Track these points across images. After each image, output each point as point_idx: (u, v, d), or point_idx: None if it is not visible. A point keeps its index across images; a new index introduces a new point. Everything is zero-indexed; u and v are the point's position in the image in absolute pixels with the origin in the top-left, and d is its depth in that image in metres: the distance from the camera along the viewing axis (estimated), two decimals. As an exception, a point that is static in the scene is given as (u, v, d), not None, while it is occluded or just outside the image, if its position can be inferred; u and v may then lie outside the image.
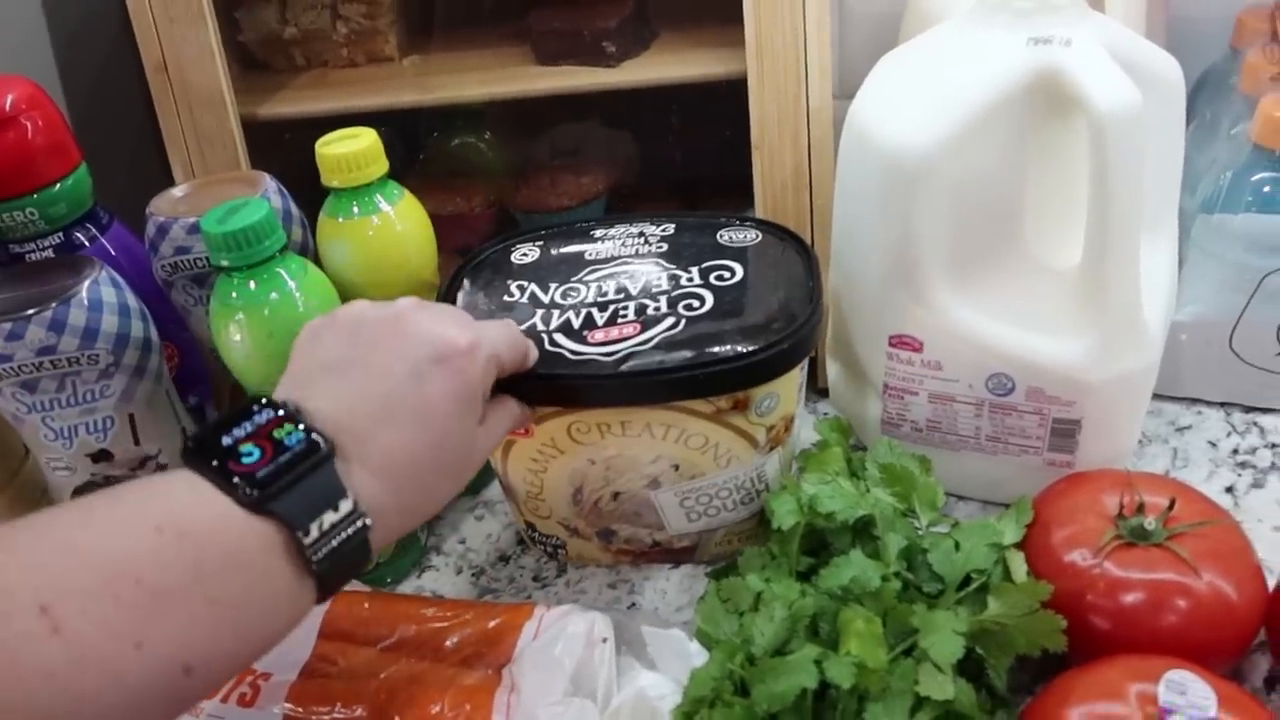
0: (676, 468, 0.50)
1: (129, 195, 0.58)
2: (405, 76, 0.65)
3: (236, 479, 0.34)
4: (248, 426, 0.36)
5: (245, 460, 0.34)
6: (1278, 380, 0.57)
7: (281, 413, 0.36)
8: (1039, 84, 0.45)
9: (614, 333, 0.48)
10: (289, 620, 0.36)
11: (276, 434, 0.36)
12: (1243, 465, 0.56)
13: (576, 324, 0.49)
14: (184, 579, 0.32)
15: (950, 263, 0.49)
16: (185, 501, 0.34)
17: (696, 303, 0.49)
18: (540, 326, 0.49)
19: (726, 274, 0.50)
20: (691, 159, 0.68)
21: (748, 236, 0.53)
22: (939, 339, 0.50)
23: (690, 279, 0.50)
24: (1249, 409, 0.59)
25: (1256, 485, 0.55)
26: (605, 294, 0.50)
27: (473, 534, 0.58)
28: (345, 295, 0.53)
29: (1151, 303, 0.49)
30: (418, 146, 0.72)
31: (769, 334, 0.47)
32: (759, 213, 0.60)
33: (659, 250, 0.53)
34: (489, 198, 0.68)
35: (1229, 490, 0.55)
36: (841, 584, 0.42)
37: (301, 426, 0.36)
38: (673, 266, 0.51)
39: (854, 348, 0.55)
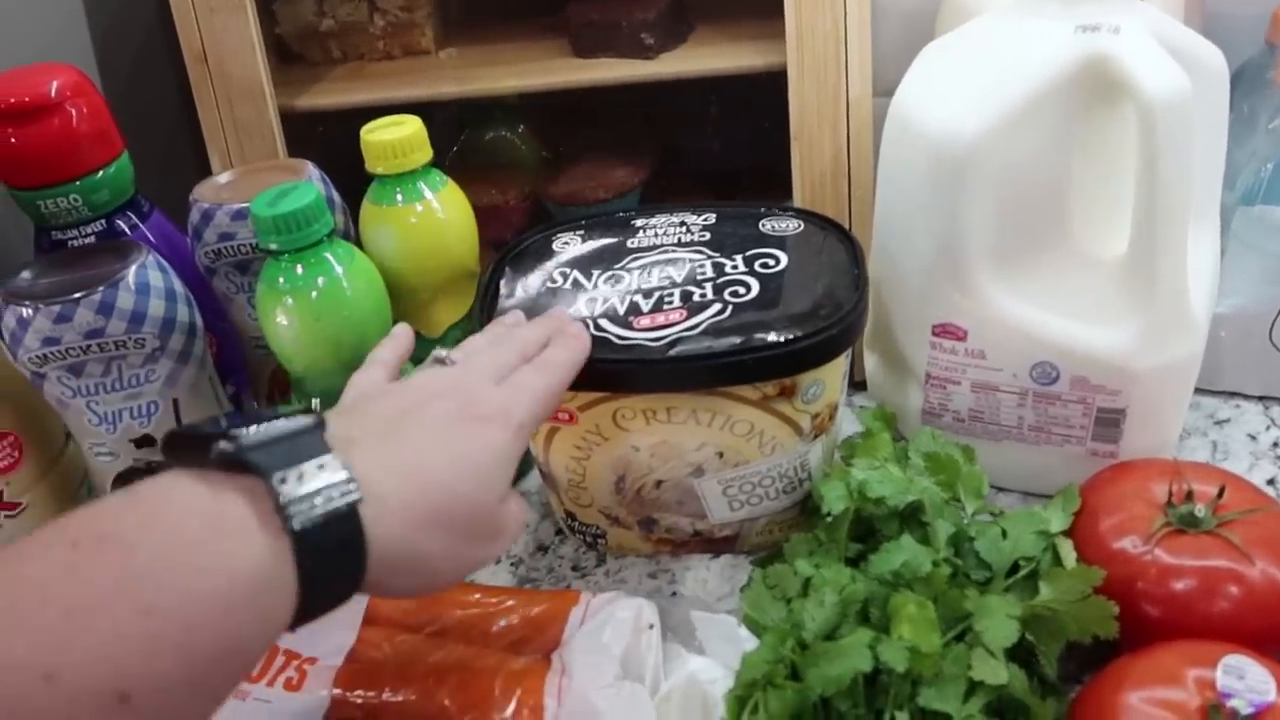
0: (721, 455, 0.49)
1: (165, 185, 0.58)
2: (442, 69, 0.65)
3: (215, 445, 0.30)
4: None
5: (227, 429, 0.31)
6: (1318, 372, 0.57)
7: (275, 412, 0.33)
8: (1087, 72, 0.45)
9: (660, 319, 0.48)
10: (258, 618, 0.29)
11: (267, 412, 0.34)
12: (1284, 458, 0.56)
13: (622, 310, 0.49)
14: (104, 590, 0.27)
15: (995, 251, 0.49)
16: (118, 503, 0.29)
17: (742, 289, 0.49)
18: (585, 312, 0.49)
19: (771, 261, 0.50)
20: (727, 151, 0.68)
21: (789, 225, 0.53)
22: (983, 328, 0.50)
23: (735, 266, 0.50)
24: (1288, 402, 0.59)
25: (1298, 477, 0.55)
26: (650, 281, 0.50)
27: (510, 524, 0.58)
28: (389, 281, 0.53)
29: (1197, 291, 0.49)
30: (453, 139, 0.72)
31: (816, 320, 0.46)
32: (797, 203, 0.60)
33: (702, 239, 0.53)
34: (524, 190, 0.68)
35: (1270, 483, 0.55)
36: (893, 569, 0.42)
37: (301, 409, 0.33)
38: (716, 254, 0.51)
39: (895, 337, 0.55)
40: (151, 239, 0.56)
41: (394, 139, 0.50)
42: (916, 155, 0.49)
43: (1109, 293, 0.49)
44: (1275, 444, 0.57)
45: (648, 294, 0.49)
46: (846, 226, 0.59)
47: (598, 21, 0.61)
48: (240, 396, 0.61)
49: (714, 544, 0.54)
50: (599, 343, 0.47)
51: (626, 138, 0.69)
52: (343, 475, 0.31)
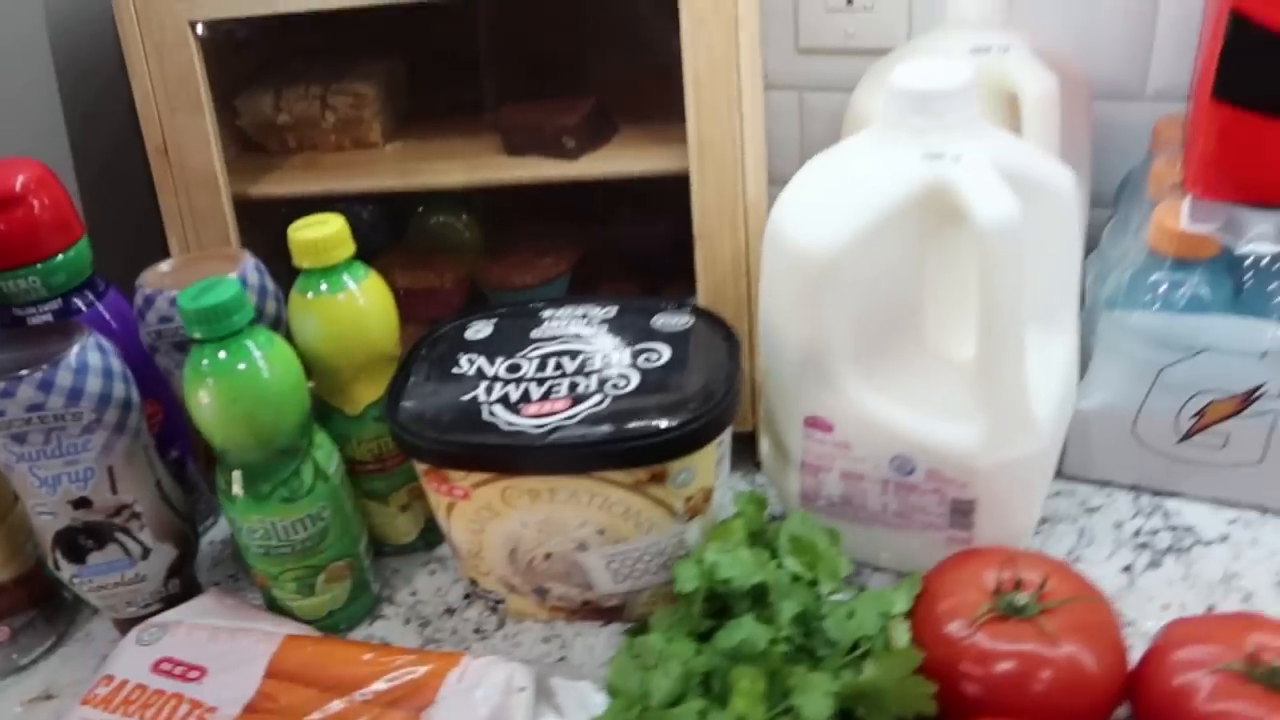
0: (601, 532, 0.54)
1: (134, 263, 0.64)
2: (387, 162, 0.71)
3: None
4: None
5: None
6: (1180, 466, 0.61)
7: None
8: (932, 195, 0.50)
9: (546, 407, 0.53)
10: None
11: None
12: (1143, 546, 0.60)
13: (514, 397, 0.54)
14: None
15: (856, 352, 0.54)
16: None
17: (623, 382, 0.53)
18: (482, 398, 0.54)
19: (655, 356, 0.55)
20: (648, 244, 0.73)
21: (681, 321, 0.58)
22: (847, 422, 0.55)
23: (622, 359, 0.55)
24: (1156, 492, 0.63)
25: (1153, 565, 0.58)
26: (544, 370, 0.55)
27: (424, 586, 0.63)
28: (313, 363, 0.58)
29: (1042, 394, 0.54)
30: (403, 222, 0.78)
31: (685, 412, 0.51)
32: (701, 298, 0.65)
33: (599, 332, 0.58)
34: (460, 274, 0.74)
35: (1126, 569, 0.58)
36: (733, 645, 0.47)
37: None
38: (608, 347, 0.56)
39: (778, 426, 0.59)
40: (106, 316, 0.61)
41: (317, 237, 0.56)
42: (786, 263, 0.54)
43: (959, 393, 0.53)
44: (1137, 532, 0.61)
45: (540, 382, 0.54)
46: (746, 322, 0.64)
47: (525, 124, 0.67)
48: (184, 460, 0.66)
49: (603, 613, 0.58)
50: (488, 428, 0.52)
51: (557, 228, 0.74)
52: None
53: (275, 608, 0.59)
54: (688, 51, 0.59)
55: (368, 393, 0.59)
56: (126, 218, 0.71)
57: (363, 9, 0.61)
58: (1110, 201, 0.72)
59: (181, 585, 0.60)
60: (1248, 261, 0.57)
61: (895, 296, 0.54)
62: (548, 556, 0.56)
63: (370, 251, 0.77)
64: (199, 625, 0.56)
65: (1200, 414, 0.59)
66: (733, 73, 0.60)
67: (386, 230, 0.77)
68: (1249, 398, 0.57)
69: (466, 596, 0.62)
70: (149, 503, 0.57)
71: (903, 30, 0.75)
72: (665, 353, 0.55)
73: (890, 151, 0.52)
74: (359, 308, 0.58)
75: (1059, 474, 0.64)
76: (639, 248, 0.73)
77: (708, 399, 0.52)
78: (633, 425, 0.51)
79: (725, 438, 0.55)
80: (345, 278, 0.57)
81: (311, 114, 0.70)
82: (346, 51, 0.71)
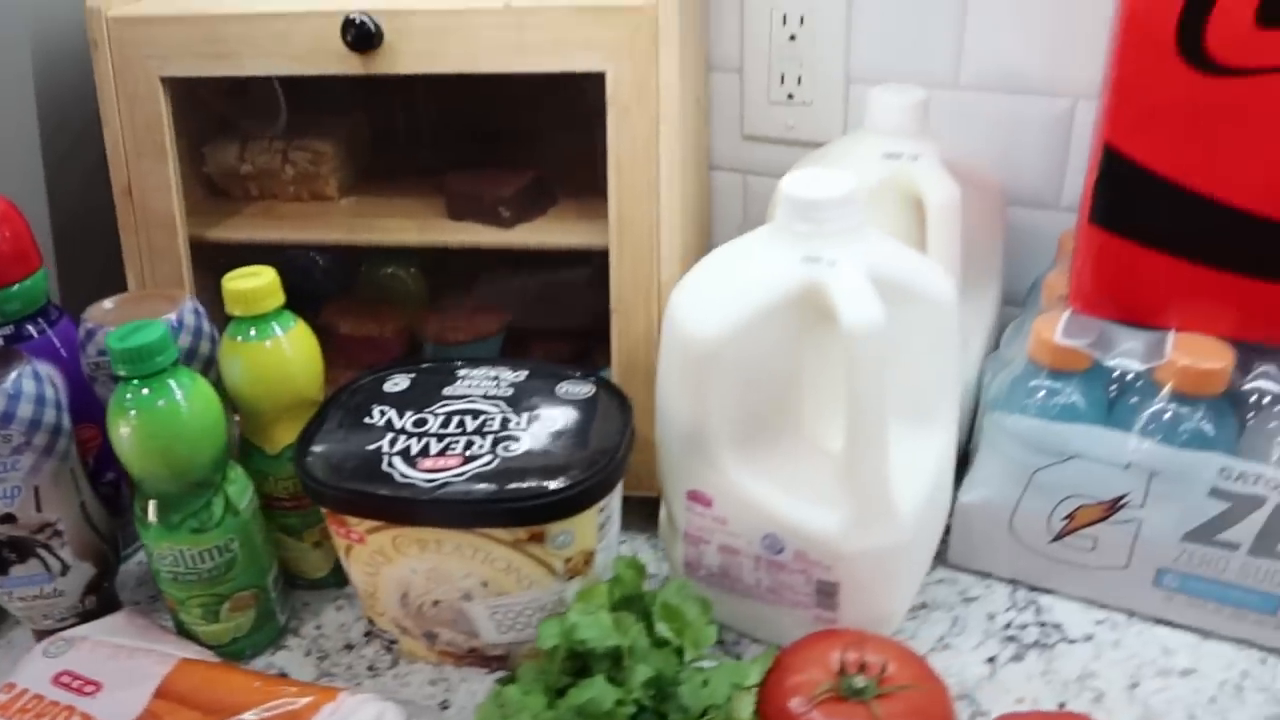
0: (485, 584, 0.57)
1: (98, 293, 0.68)
2: (340, 215, 0.75)
3: None
4: None
5: None
6: (1054, 564, 0.64)
7: None
8: (808, 296, 0.54)
9: (440, 463, 0.56)
10: None
11: None
12: (1010, 639, 0.62)
13: (415, 451, 0.57)
14: None
15: (736, 434, 0.57)
16: None
17: (514, 444, 0.57)
18: (385, 449, 0.58)
19: (551, 422, 0.59)
20: (579, 311, 0.77)
21: (584, 391, 0.62)
22: (725, 498, 0.58)
23: (518, 423, 0.59)
24: (1033, 588, 0.66)
25: (1016, 658, 0.61)
26: (447, 427, 0.59)
27: (329, 621, 0.66)
28: (238, 404, 0.62)
29: (909, 487, 0.57)
30: (355, 270, 0.82)
31: (565, 477, 0.55)
32: (615, 367, 0.68)
33: (504, 394, 0.61)
34: (401, 325, 0.78)
35: (990, 660, 0.61)
36: (581, 703, 0.50)
37: None
38: (509, 409, 0.60)
39: (667, 496, 0.63)
40: (56, 343, 0.66)
41: (248, 288, 0.60)
42: (676, 346, 0.57)
43: (829, 480, 0.57)
44: (1008, 625, 0.63)
45: (440, 438, 0.58)
46: (653, 394, 0.67)
47: (467, 192, 0.71)
48: (118, 484, 0.70)
49: (489, 660, 0.62)
50: (384, 479, 0.56)
51: (495, 289, 0.78)
52: None
53: (182, 631, 0.62)
54: (612, 138, 0.64)
55: (287, 434, 0.63)
56: (94, 252, 0.75)
57: (321, 77, 0.66)
58: (1023, 301, 0.76)
59: (99, 602, 0.64)
60: (1114, 374, 0.60)
61: (776, 385, 0.58)
62: (436, 603, 0.59)
63: (321, 296, 0.82)
64: (104, 642, 0.59)
65: (1070, 517, 0.62)
66: (653, 161, 0.64)
67: (339, 277, 0.82)
68: (1115, 505, 0.60)
69: (367, 634, 0.65)
70: (72, 522, 0.61)
71: (838, 126, 0.79)
72: (561, 419, 0.59)
73: (775, 251, 0.55)
74: (284, 355, 0.62)
75: (944, 562, 0.67)
76: (571, 314, 0.77)
77: (590, 466, 0.56)
78: (514, 486, 0.54)
79: (610, 503, 0.58)
80: (274, 326, 0.61)
81: (273, 166, 0.75)
82: (313, 109, 0.76)
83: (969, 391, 0.69)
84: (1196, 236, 0.56)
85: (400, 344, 0.79)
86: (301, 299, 0.81)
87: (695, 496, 0.59)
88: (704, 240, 0.83)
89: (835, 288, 0.53)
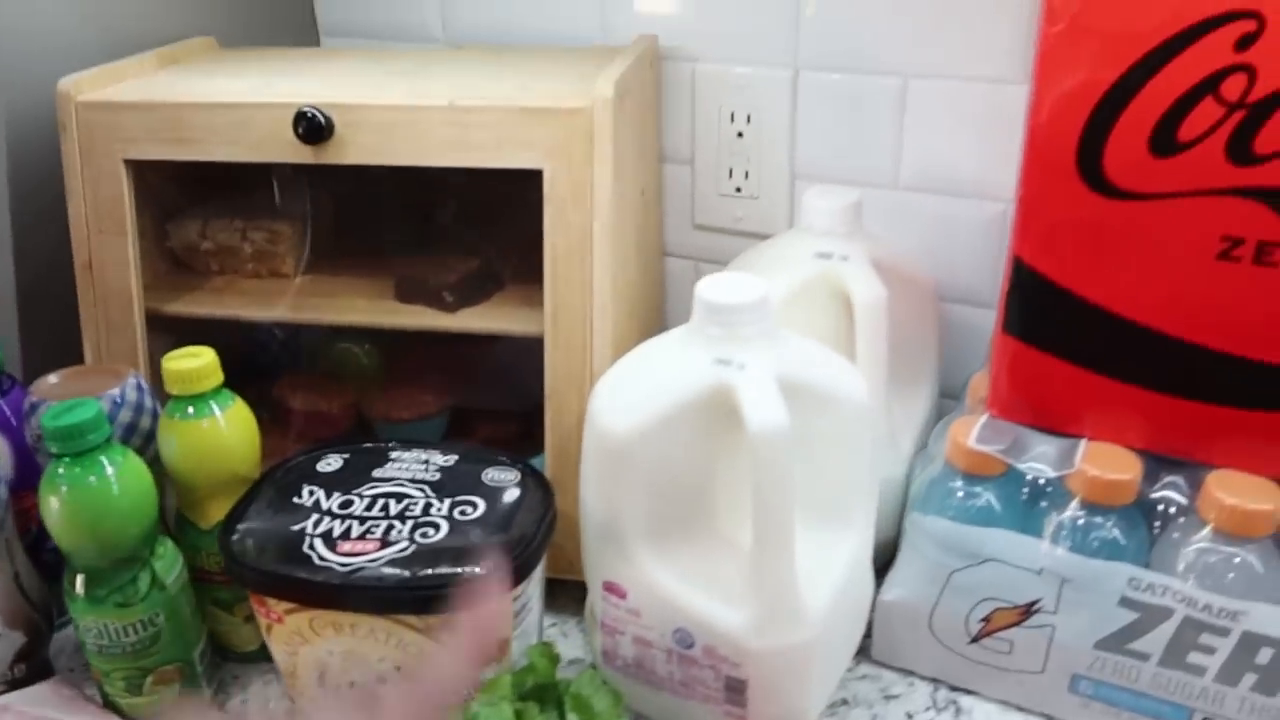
0: (399, 668, 0.58)
1: (60, 363, 0.70)
2: (295, 293, 0.77)
3: None
4: None
5: None
6: (974, 666, 0.64)
7: None
8: (718, 397, 0.55)
9: (359, 546, 0.57)
10: None
11: None
12: (926, 740, 0.63)
13: (336, 533, 0.59)
14: None
15: (650, 528, 0.58)
16: None
17: (432, 531, 0.58)
18: (309, 530, 0.59)
19: (470, 509, 0.60)
20: (521, 393, 0.79)
21: (508, 477, 0.63)
22: (639, 591, 0.59)
23: (439, 510, 0.60)
24: (954, 688, 0.66)
25: (929, 761, 0.61)
26: (371, 510, 0.60)
27: (255, 695, 0.67)
28: (174, 479, 0.64)
29: (819, 586, 0.58)
30: (311, 344, 0.84)
31: (471, 569, 0.56)
32: (548, 453, 0.70)
33: (431, 479, 0.63)
34: (348, 401, 0.80)
35: (902, 761, 0.61)
36: (475, 795, 0.50)
37: None
38: (433, 495, 0.61)
39: (589, 584, 0.63)
40: (6, 411, 0.68)
41: (187, 368, 0.62)
42: (594, 439, 0.59)
43: (739, 577, 0.57)
44: (925, 726, 0.64)
45: (362, 521, 0.59)
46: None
47: (413, 275, 0.73)
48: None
49: (405, 743, 0.62)
50: (302, 561, 0.57)
51: (442, 370, 0.80)
52: None
53: (108, 702, 0.63)
54: (548, 233, 0.66)
55: (220, 510, 0.64)
56: (57, 323, 0.78)
57: (279, 165, 0.68)
58: (960, 396, 0.77)
59: (29, 670, 0.65)
60: (1029, 479, 0.61)
61: (690, 481, 0.59)
62: (351, 684, 0.60)
63: (278, 368, 0.84)
64: (28, 712, 0.60)
65: (987, 619, 0.62)
66: (588, 256, 0.66)
67: (296, 350, 0.84)
68: (1029, 610, 0.61)
69: (289, 712, 0.66)
70: (3, 592, 0.62)
71: (784, 219, 0.81)
72: (482, 506, 0.60)
73: (689, 352, 0.57)
74: (220, 434, 0.63)
75: (868, 658, 0.68)
76: (515, 396, 0.79)
77: (504, 554, 0.57)
78: (425, 573, 0.55)
79: (526, 590, 0.59)
80: (211, 405, 0.63)
81: (233, 243, 0.78)
82: (273, 191, 0.79)
83: (899, 488, 0.70)
84: (1102, 350, 0.58)
85: (347, 420, 0.80)
86: (258, 371, 0.83)
87: (611, 588, 0.60)
88: (656, 325, 0.85)
89: (743, 391, 0.54)
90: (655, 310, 0.86)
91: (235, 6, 0.91)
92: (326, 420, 0.79)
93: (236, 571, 0.58)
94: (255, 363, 0.83)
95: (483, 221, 0.76)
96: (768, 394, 0.54)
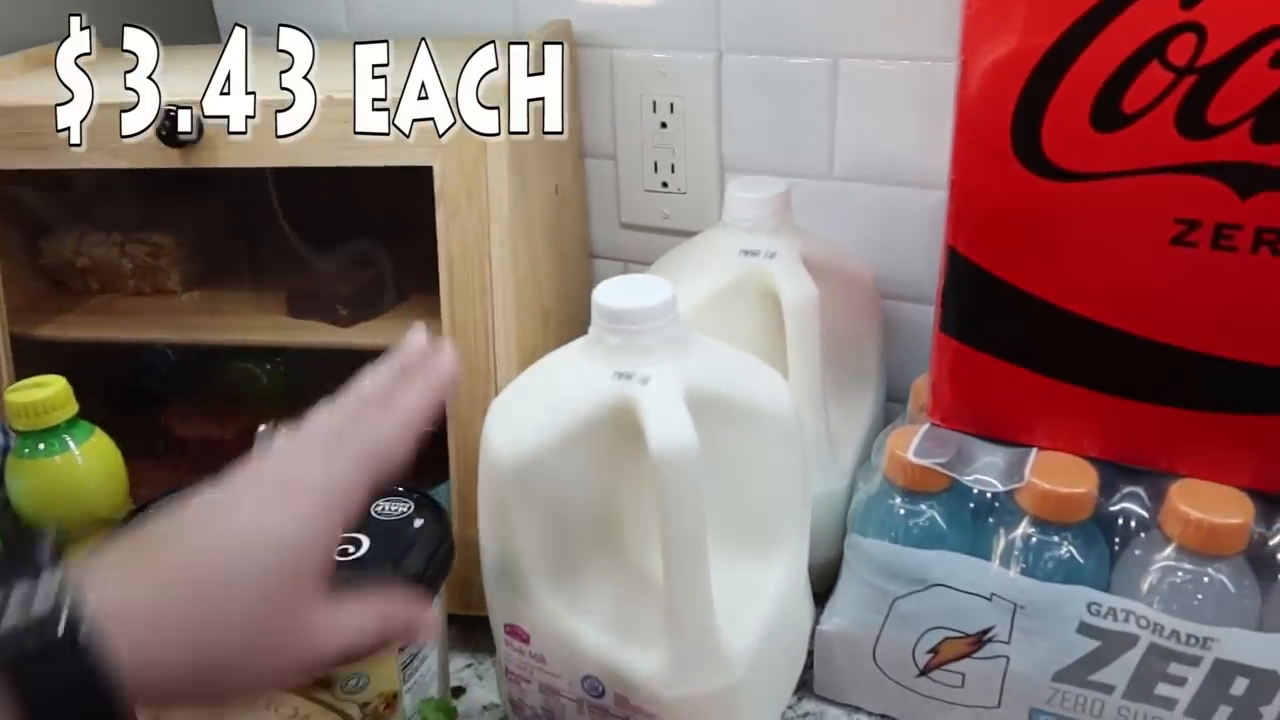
0: (276, 732, 0.52)
1: None
2: (182, 311, 0.71)
3: None
4: None
5: None
6: (924, 700, 0.58)
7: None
8: (620, 414, 0.49)
9: (223, 597, 0.51)
10: None
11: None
12: (872, 786, 0.56)
13: (201, 582, 0.52)
14: None
15: (550, 565, 0.52)
16: None
17: (307, 576, 0.52)
18: (172, 579, 0.52)
19: (352, 548, 0.54)
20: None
21: (400, 509, 0.57)
22: (543, 635, 0.53)
23: (317, 550, 0.53)
24: (904, 724, 0.60)
25: (874, 811, 0.55)
26: (243, 554, 0.54)
27: (132, 760, 0.60)
28: (30, 523, 0.57)
29: (742, 622, 0.51)
30: (205, 365, 0.77)
31: (355, 617, 0.49)
32: (453, 480, 0.63)
33: (313, 514, 0.56)
34: (244, 427, 0.73)
35: (846, 811, 0.55)
36: None
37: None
38: (313, 533, 0.55)
39: (492, 627, 0.57)
40: None
41: (33, 400, 0.55)
42: (486, 467, 0.52)
43: (652, 617, 0.51)
44: (872, 769, 0.58)
45: (232, 568, 0.53)
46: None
47: (305, 288, 0.67)
48: None
49: (290, 812, 0.56)
50: (158, 615, 0.50)
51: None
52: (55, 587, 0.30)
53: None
54: (442, 234, 0.60)
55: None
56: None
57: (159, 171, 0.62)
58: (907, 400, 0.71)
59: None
60: (974, 494, 0.55)
61: (594, 510, 0.53)
62: (225, 751, 0.53)
63: (171, 394, 0.77)
64: None
65: (935, 650, 0.56)
66: (485, 259, 0.60)
67: (190, 373, 0.77)
68: (981, 639, 0.55)
69: (168, 776, 0.59)
70: None
71: (714, 215, 0.75)
72: (368, 544, 0.54)
73: (588, 365, 0.51)
74: (76, 471, 0.57)
75: (813, 693, 0.62)
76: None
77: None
78: (294, 628, 0.49)
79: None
80: (65, 439, 0.57)
81: (111, 259, 0.71)
82: (153, 200, 0.72)
83: (840, 504, 0.64)
84: (1049, 350, 0.52)
85: (244, 447, 0.73)
86: (148, 397, 0.77)
87: (513, 631, 0.54)
88: (584, 329, 0.78)
89: (645, 408, 0.48)
90: (581, 315, 0.79)
91: (127, 3, 0.84)
92: (221, 449, 0.72)
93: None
94: (145, 388, 0.77)
95: (381, 227, 0.70)
96: (673, 410, 0.48)
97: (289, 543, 0.36)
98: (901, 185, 0.69)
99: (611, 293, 0.50)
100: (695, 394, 0.49)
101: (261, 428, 0.44)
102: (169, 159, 0.61)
